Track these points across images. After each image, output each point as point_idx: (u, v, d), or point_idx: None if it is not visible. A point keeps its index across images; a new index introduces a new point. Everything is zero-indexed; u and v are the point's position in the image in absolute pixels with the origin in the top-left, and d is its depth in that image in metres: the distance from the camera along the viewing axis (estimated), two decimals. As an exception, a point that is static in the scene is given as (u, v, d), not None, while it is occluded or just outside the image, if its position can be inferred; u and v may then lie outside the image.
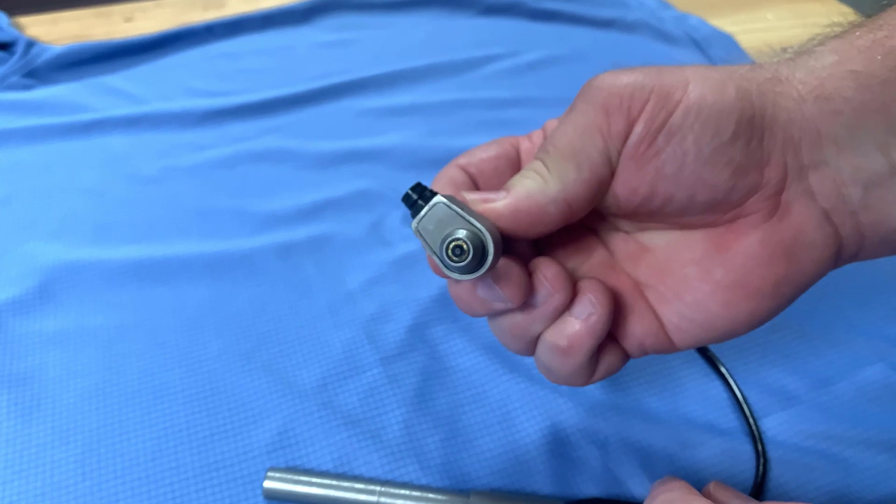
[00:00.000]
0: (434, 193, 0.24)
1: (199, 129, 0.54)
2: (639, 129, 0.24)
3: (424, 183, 0.25)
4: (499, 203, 0.25)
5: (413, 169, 0.51)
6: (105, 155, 0.51)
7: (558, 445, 0.35)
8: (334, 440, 0.35)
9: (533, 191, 0.24)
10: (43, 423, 0.36)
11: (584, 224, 0.28)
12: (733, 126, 0.23)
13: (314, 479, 0.33)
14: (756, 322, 0.26)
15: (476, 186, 0.28)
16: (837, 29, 0.25)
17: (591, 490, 0.34)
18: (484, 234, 0.23)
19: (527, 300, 0.25)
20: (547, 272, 0.25)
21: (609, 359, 0.27)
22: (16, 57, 0.58)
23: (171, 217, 0.47)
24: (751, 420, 0.36)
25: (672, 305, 0.26)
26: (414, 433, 0.36)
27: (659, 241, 0.27)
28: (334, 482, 0.33)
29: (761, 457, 0.35)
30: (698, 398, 0.38)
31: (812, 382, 0.39)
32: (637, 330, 0.27)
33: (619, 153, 0.24)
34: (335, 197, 0.49)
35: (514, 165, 0.29)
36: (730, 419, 0.37)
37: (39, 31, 0.64)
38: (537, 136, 0.29)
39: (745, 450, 0.35)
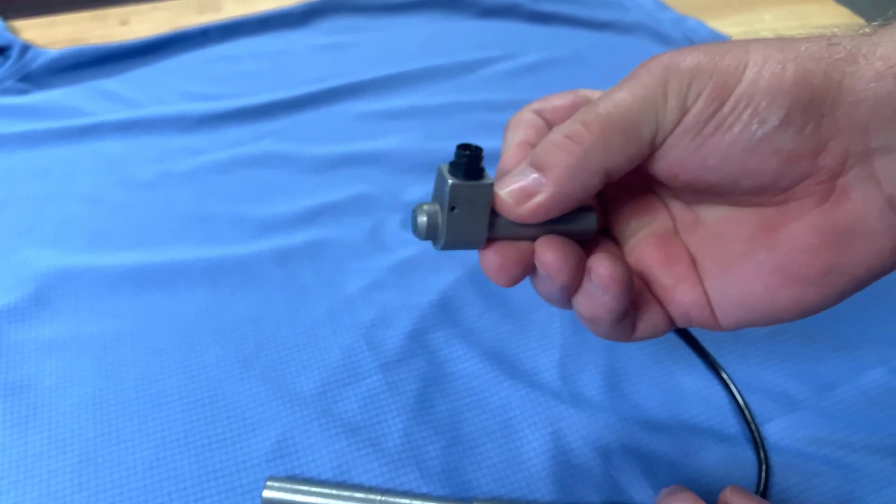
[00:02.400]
0: (482, 175, 0.25)
1: (196, 134, 0.54)
2: (690, 117, 0.23)
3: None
4: (541, 197, 0.24)
5: (412, 172, 0.51)
6: (101, 160, 0.51)
7: (560, 452, 0.35)
8: (334, 448, 0.35)
9: (573, 168, 0.24)
10: (39, 432, 0.35)
11: (649, 187, 0.28)
12: (784, 112, 0.22)
13: (314, 489, 0.32)
14: (802, 310, 0.25)
15: (550, 129, 0.27)
16: None
17: (592, 497, 0.33)
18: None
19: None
20: (542, 258, 0.25)
21: (653, 321, 0.27)
22: (11, 61, 0.57)
23: (167, 223, 0.46)
24: (752, 426, 0.36)
25: (717, 281, 0.26)
26: (414, 441, 0.35)
27: (713, 214, 0.27)
28: (334, 491, 0.32)
29: (763, 463, 0.34)
30: (700, 404, 0.38)
31: (814, 387, 0.38)
32: (685, 299, 0.27)
33: (667, 138, 0.24)
34: (333, 201, 0.48)
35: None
36: (731, 425, 0.37)
37: (35, 34, 0.64)
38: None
39: (747, 456, 0.35)
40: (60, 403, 0.36)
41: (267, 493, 0.32)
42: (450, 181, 0.24)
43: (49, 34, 0.64)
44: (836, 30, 0.24)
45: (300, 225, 0.47)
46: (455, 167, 0.25)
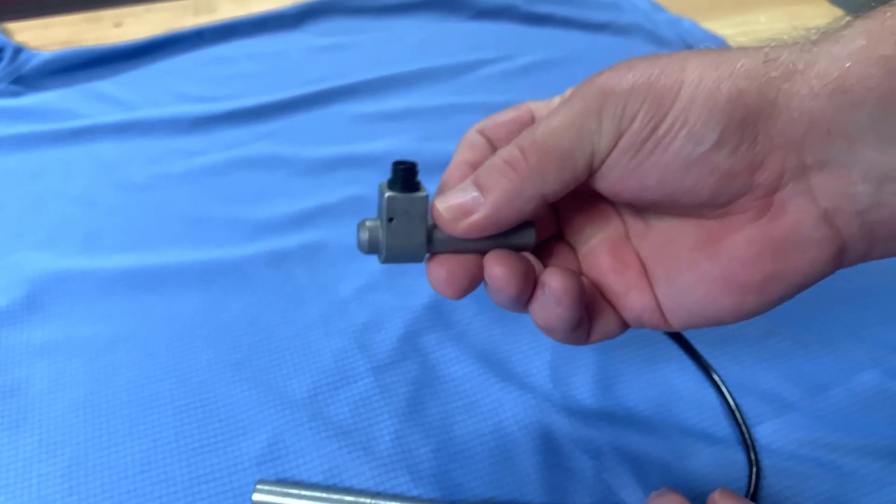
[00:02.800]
0: (417, 188, 0.27)
1: (191, 136, 0.54)
2: (625, 141, 0.24)
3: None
4: (478, 216, 0.25)
5: (405, 175, 0.51)
6: (95, 162, 0.51)
7: (551, 455, 0.35)
8: (324, 451, 0.35)
9: (511, 192, 0.25)
10: (29, 435, 0.35)
11: (601, 196, 0.29)
12: (718, 132, 0.23)
13: (304, 492, 0.32)
14: (744, 314, 0.26)
15: (494, 149, 0.29)
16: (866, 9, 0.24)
17: (584, 500, 0.33)
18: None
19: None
20: (491, 272, 0.26)
21: (606, 325, 0.28)
22: (4, 63, 0.57)
23: (161, 225, 0.46)
24: (744, 428, 0.36)
25: (665, 288, 0.27)
26: (405, 443, 0.35)
27: (661, 224, 0.28)
28: (324, 494, 0.32)
29: (754, 465, 0.34)
30: (692, 406, 0.37)
31: (806, 389, 0.38)
32: (636, 305, 0.28)
33: (604, 161, 0.25)
34: (328, 203, 0.48)
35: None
36: (723, 427, 0.37)
37: (28, 36, 0.63)
38: (555, 102, 0.29)
39: (739, 458, 0.35)
40: (51, 407, 0.36)
41: (257, 497, 0.32)
42: (386, 194, 0.26)
43: (43, 36, 0.64)
44: (775, 43, 0.24)
45: (294, 227, 0.47)
46: (392, 182, 0.26)
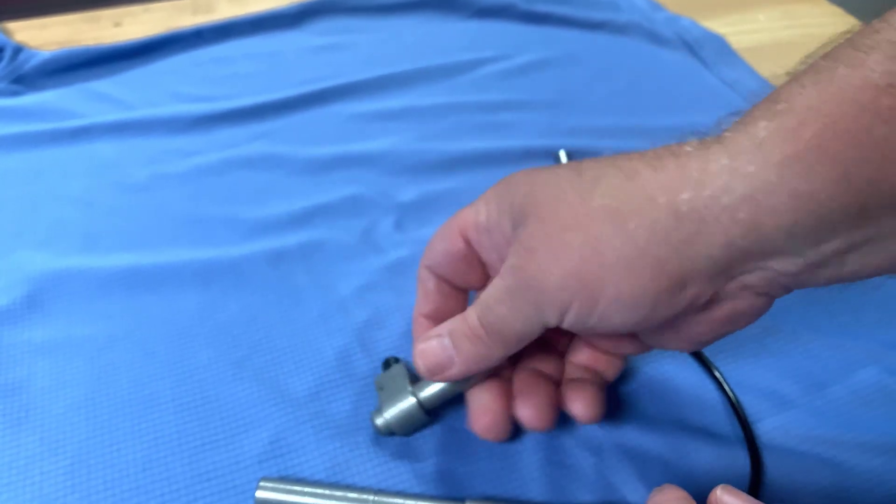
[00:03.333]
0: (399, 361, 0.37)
1: (189, 135, 0.54)
2: (569, 319, 0.27)
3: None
4: (453, 371, 0.31)
5: (405, 174, 0.51)
6: (93, 162, 0.51)
7: (553, 452, 0.35)
8: (327, 449, 0.35)
9: (479, 356, 0.30)
10: (31, 434, 0.35)
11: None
12: (650, 304, 0.26)
13: (307, 489, 0.32)
14: (698, 348, 0.31)
15: (448, 283, 0.34)
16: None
17: (585, 497, 0.34)
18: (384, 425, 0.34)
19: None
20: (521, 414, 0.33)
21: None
22: (3, 63, 0.57)
23: (160, 224, 0.46)
24: (745, 425, 0.36)
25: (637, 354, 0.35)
26: (407, 441, 0.35)
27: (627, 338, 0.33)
28: (327, 491, 0.32)
29: (755, 461, 0.35)
30: (693, 403, 0.38)
31: (806, 386, 0.38)
32: (610, 373, 0.35)
33: (559, 324, 0.28)
34: (326, 203, 0.48)
35: (470, 259, 0.33)
36: (724, 424, 0.37)
37: (27, 36, 0.63)
38: (478, 210, 0.32)
39: (740, 455, 0.35)
40: (53, 405, 0.36)
41: (260, 494, 0.32)
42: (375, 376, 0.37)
43: (42, 36, 0.64)
44: (675, 154, 0.26)
45: (293, 226, 0.47)
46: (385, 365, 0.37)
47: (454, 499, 0.33)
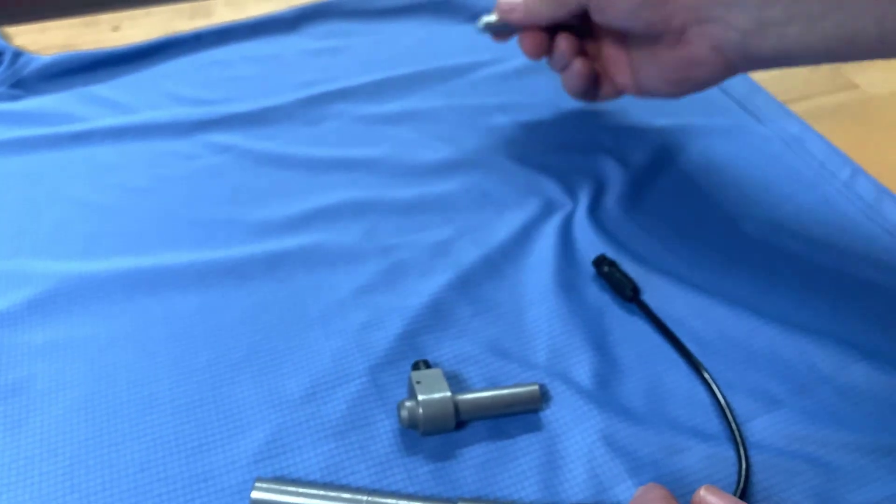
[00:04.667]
0: (430, 366, 0.38)
1: (189, 138, 0.54)
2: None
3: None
4: (517, 13, 0.48)
5: (404, 176, 0.52)
6: (94, 165, 0.51)
7: (544, 451, 0.36)
8: (322, 449, 0.35)
9: (532, 10, 0.47)
10: (31, 435, 0.36)
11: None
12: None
13: (301, 489, 0.33)
14: (675, 95, 0.48)
15: None
16: None
17: (577, 496, 0.34)
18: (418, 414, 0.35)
19: (551, 55, 0.50)
20: (560, 42, 0.49)
21: (606, 89, 0.51)
22: (3, 67, 0.58)
23: (160, 227, 0.47)
24: (734, 425, 0.37)
25: (637, 74, 0.48)
26: (401, 442, 0.36)
27: (632, 42, 0.48)
28: (321, 492, 0.33)
29: (743, 461, 0.35)
30: (683, 403, 0.38)
31: (795, 386, 0.39)
32: (622, 79, 0.50)
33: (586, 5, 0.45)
34: (326, 205, 0.49)
35: None
36: (714, 424, 0.37)
37: (27, 40, 0.64)
38: None
39: (729, 455, 0.36)
40: (52, 406, 0.37)
41: (255, 494, 0.33)
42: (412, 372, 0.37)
43: (41, 40, 0.64)
44: None
45: (293, 229, 0.47)
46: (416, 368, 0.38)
47: (447, 499, 0.34)
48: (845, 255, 0.46)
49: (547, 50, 0.49)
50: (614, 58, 0.49)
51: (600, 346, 0.41)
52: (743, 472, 0.35)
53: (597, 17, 0.44)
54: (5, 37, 0.64)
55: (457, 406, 0.35)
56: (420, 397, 0.35)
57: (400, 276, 0.44)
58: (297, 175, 0.52)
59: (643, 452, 0.36)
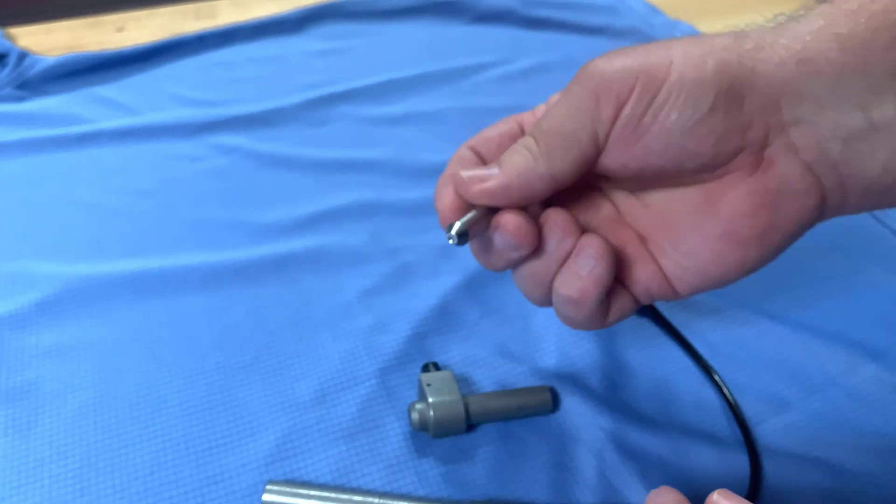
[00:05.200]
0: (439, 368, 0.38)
1: (194, 140, 0.54)
2: (626, 112, 0.26)
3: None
4: (491, 183, 0.28)
5: (410, 178, 0.52)
6: (99, 167, 0.51)
7: (555, 454, 0.36)
8: (332, 452, 0.35)
9: (522, 169, 0.28)
10: (41, 438, 0.36)
11: (589, 183, 0.31)
12: (711, 98, 0.25)
13: (313, 492, 0.33)
14: (746, 270, 0.29)
15: (484, 162, 0.31)
16: None
17: (588, 499, 0.34)
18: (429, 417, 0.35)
19: (540, 246, 0.29)
20: (557, 219, 0.29)
21: (620, 303, 0.30)
22: (9, 68, 0.58)
23: (167, 229, 0.47)
24: (744, 427, 0.37)
25: (670, 256, 0.29)
26: (412, 444, 0.36)
27: (657, 196, 0.30)
28: (333, 494, 0.33)
29: (755, 464, 0.35)
30: (692, 406, 0.38)
31: (805, 388, 0.39)
32: (642, 277, 0.30)
33: (608, 135, 0.27)
34: (332, 207, 0.49)
35: (517, 140, 0.31)
36: (724, 427, 0.37)
37: (31, 41, 0.64)
38: (540, 109, 0.32)
39: (740, 457, 0.36)
40: (61, 409, 0.37)
41: (267, 497, 0.32)
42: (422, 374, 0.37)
43: (46, 41, 0.64)
44: (744, 26, 0.28)
45: (299, 231, 0.47)
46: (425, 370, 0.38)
47: (458, 502, 0.33)
48: (854, 256, 0.46)
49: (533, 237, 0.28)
50: (627, 237, 0.30)
51: (609, 348, 0.41)
52: (754, 475, 0.35)
53: (620, 158, 0.27)
54: (10, 38, 0.63)
55: (467, 408, 0.35)
56: (431, 400, 0.35)
57: (407, 278, 0.44)
58: (302, 177, 0.52)
59: (653, 455, 0.36)
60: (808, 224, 0.28)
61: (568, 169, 0.27)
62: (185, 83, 0.60)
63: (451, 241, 0.27)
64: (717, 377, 0.39)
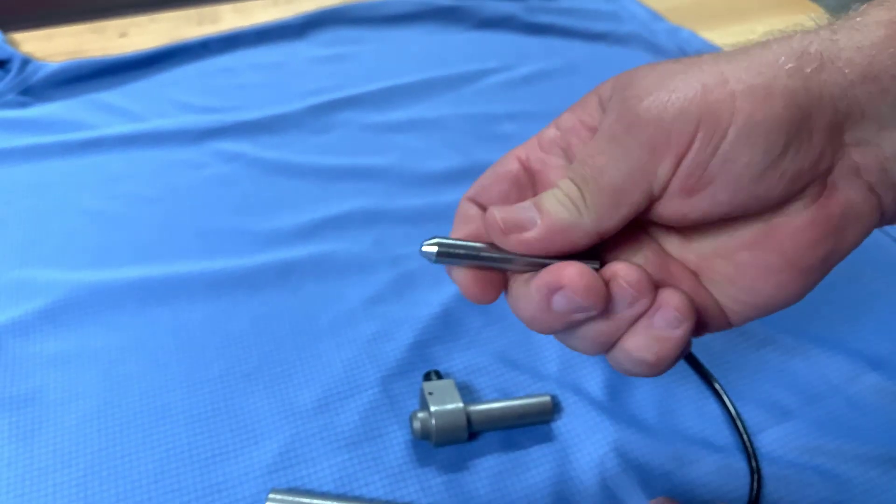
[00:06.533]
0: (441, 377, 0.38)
1: (197, 147, 0.54)
2: (687, 162, 0.24)
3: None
4: (530, 235, 0.25)
5: (413, 185, 0.52)
6: (102, 174, 0.51)
7: (557, 462, 0.36)
8: (335, 461, 0.35)
9: (567, 222, 0.25)
10: (44, 445, 0.36)
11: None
12: (784, 139, 0.23)
13: (315, 501, 0.33)
14: (804, 294, 0.27)
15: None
16: None
17: (589, 508, 0.34)
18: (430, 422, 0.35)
19: (607, 307, 0.25)
20: (629, 277, 0.25)
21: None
22: (11, 74, 0.58)
23: (170, 236, 0.47)
24: (745, 436, 0.37)
25: (726, 290, 0.27)
26: (414, 453, 0.36)
27: (710, 231, 0.27)
28: (336, 503, 0.33)
29: (755, 473, 0.35)
30: (694, 415, 0.38)
31: (805, 397, 0.39)
32: (703, 317, 0.27)
33: (665, 188, 0.24)
34: (335, 214, 0.49)
35: (522, 184, 0.29)
36: (725, 435, 0.37)
37: (34, 47, 0.64)
38: (547, 139, 0.29)
39: (741, 466, 0.36)
40: (65, 417, 0.37)
41: (270, 506, 0.33)
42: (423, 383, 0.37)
43: (48, 47, 0.64)
44: (795, 30, 0.25)
45: (302, 238, 0.47)
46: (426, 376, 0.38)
47: (461, 510, 0.34)
48: (855, 265, 0.46)
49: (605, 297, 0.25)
50: (679, 274, 0.28)
51: (611, 356, 0.41)
52: (755, 484, 0.35)
53: (680, 209, 0.25)
54: (13, 44, 0.64)
55: (469, 417, 0.36)
56: (433, 408, 0.35)
57: (409, 286, 0.44)
58: (305, 184, 0.52)
59: (655, 464, 0.36)
60: (862, 238, 0.26)
61: (617, 226, 0.25)
62: (187, 89, 0.60)
63: (425, 254, 0.24)
64: (717, 385, 0.39)
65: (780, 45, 0.24)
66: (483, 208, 0.28)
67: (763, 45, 0.24)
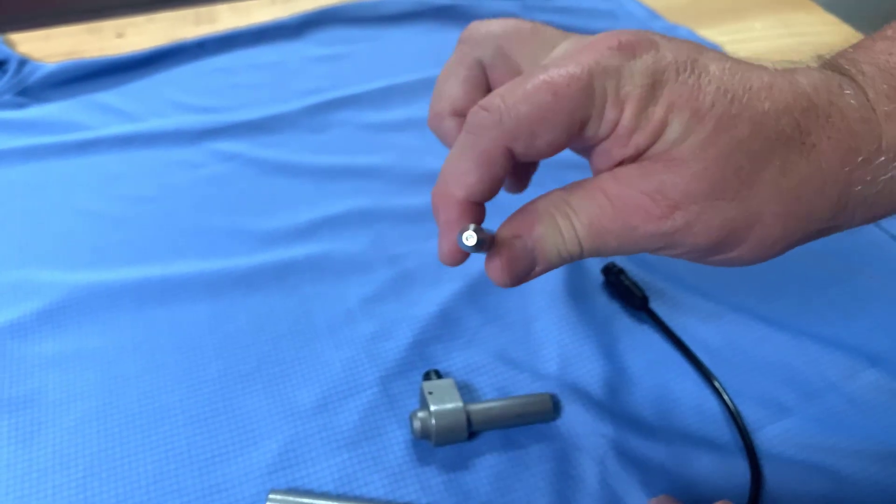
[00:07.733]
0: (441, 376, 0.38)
1: (195, 147, 0.54)
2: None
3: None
4: (534, 272, 0.27)
5: (411, 185, 0.52)
6: (100, 174, 0.51)
7: (557, 461, 0.36)
8: (335, 461, 0.35)
9: (565, 256, 0.27)
10: (44, 447, 0.36)
11: None
12: (779, 251, 0.27)
13: (315, 501, 0.33)
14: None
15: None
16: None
17: (589, 506, 0.34)
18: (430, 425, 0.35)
19: None
20: None
21: None
22: (9, 75, 0.58)
23: (168, 236, 0.47)
24: (744, 433, 0.37)
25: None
26: (414, 452, 0.36)
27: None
28: (336, 503, 0.33)
29: (755, 470, 0.35)
30: (693, 412, 0.38)
31: (805, 394, 0.39)
32: None
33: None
34: (333, 214, 0.49)
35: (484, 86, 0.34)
36: (724, 433, 0.37)
37: (31, 47, 0.64)
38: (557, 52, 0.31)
39: (740, 463, 0.36)
40: (64, 418, 0.37)
41: (270, 506, 0.33)
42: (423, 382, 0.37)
43: (45, 47, 0.64)
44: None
45: (300, 238, 0.47)
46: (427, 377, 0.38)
47: (461, 509, 0.34)
48: (853, 262, 0.46)
49: None
50: None
51: (610, 354, 0.41)
52: (755, 482, 0.35)
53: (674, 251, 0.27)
54: (9, 44, 0.63)
55: (469, 416, 0.36)
56: (432, 408, 0.35)
57: (408, 285, 0.44)
58: (303, 183, 0.52)
59: (654, 462, 0.36)
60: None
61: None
62: (185, 89, 0.60)
63: (466, 244, 0.25)
64: (716, 383, 0.39)
65: (842, 146, 0.25)
66: (459, 114, 0.34)
67: (829, 134, 0.25)
